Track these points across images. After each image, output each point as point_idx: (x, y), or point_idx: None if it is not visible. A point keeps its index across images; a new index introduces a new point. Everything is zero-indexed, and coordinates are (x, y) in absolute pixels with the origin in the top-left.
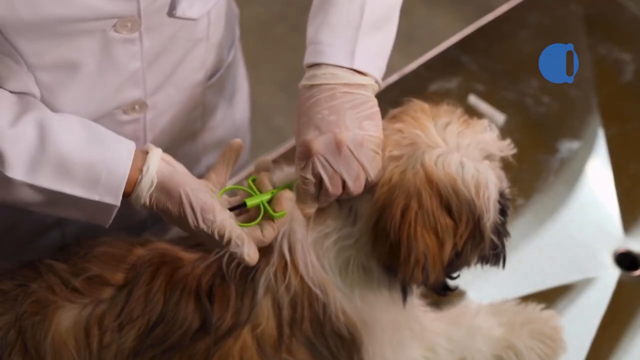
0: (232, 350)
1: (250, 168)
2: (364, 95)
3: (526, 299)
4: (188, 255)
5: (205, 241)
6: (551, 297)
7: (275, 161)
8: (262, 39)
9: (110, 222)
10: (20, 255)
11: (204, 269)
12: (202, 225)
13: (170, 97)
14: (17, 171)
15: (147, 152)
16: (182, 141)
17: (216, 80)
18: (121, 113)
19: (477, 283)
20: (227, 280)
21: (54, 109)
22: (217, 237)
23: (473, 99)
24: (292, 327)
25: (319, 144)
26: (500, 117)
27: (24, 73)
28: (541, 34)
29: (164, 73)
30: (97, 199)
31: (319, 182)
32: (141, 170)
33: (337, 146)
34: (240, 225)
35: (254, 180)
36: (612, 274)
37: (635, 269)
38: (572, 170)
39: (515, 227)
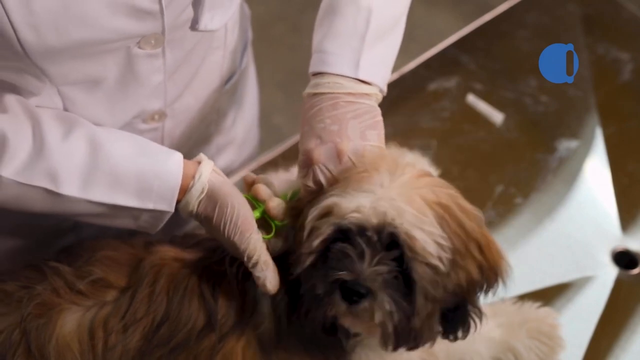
0: (235, 349)
1: (253, 166)
2: (367, 105)
3: (524, 297)
4: (189, 256)
5: (229, 251)
6: (549, 295)
7: (274, 161)
8: (262, 38)
9: (159, 228)
10: (35, 258)
11: (205, 268)
12: (237, 240)
13: (189, 105)
14: (71, 188)
15: (199, 162)
16: (196, 145)
17: (230, 86)
18: (140, 122)
19: None
20: (229, 279)
21: None
22: (246, 256)
23: (472, 98)
24: (289, 325)
25: (320, 153)
26: (498, 116)
27: (48, 88)
28: (540, 34)
29: (184, 83)
30: (152, 207)
31: (321, 189)
32: (193, 177)
33: (338, 156)
34: (264, 238)
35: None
36: (610, 273)
37: (633, 267)
38: (571, 169)
39: (513, 226)
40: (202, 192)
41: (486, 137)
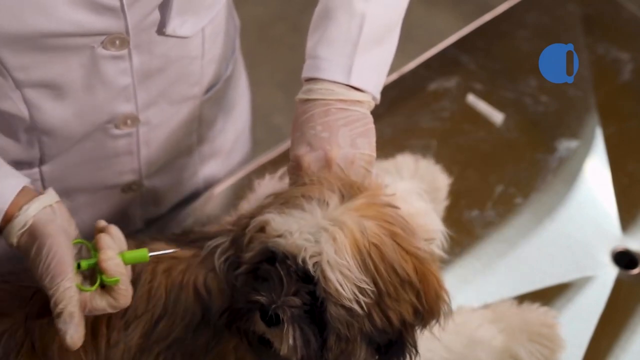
0: (227, 347)
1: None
2: (359, 112)
3: (524, 297)
4: (183, 253)
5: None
6: (549, 295)
7: (274, 161)
8: (262, 38)
9: None
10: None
11: (198, 264)
12: (46, 283)
13: (164, 111)
14: None
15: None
16: (178, 154)
17: (213, 94)
18: (113, 127)
19: (476, 281)
20: (219, 274)
21: (42, 126)
22: (52, 303)
23: (472, 99)
24: None
25: (309, 160)
26: (498, 116)
27: (12, 91)
28: (540, 34)
29: (157, 89)
30: None
31: None
32: (21, 208)
33: (327, 163)
34: (81, 289)
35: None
36: (610, 273)
37: (633, 267)
38: (571, 169)
39: (513, 226)
40: (24, 226)
41: (486, 137)
